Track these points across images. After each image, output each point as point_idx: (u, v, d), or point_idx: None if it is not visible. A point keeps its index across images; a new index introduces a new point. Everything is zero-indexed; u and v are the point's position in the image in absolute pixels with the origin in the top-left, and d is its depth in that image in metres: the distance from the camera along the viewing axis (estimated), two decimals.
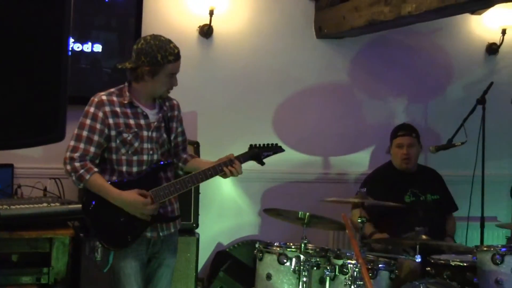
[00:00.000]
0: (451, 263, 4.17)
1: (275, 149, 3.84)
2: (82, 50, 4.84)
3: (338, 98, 5.80)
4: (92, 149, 3.39)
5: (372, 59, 5.85)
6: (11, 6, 1.36)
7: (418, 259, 3.95)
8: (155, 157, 3.53)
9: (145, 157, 3.50)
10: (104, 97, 3.44)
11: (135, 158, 3.48)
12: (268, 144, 3.81)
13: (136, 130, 3.46)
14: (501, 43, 6.07)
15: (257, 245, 4.14)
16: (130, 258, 3.49)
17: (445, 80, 6.08)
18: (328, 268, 3.89)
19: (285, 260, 3.96)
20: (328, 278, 3.88)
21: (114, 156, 3.46)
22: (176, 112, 3.69)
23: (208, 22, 5.25)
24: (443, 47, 6.03)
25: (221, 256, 5.34)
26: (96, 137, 3.39)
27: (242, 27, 5.46)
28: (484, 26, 6.09)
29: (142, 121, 3.49)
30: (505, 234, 5.95)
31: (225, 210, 5.49)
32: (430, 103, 6.06)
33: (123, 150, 3.45)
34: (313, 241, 4.16)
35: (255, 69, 5.52)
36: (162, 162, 3.54)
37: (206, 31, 5.30)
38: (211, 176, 3.56)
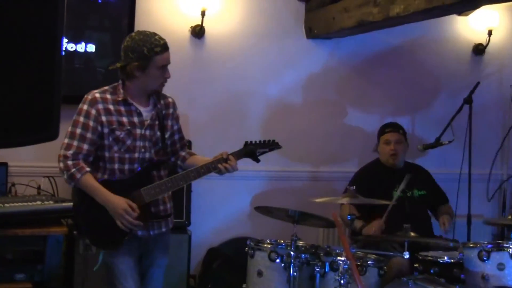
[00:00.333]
0: (438, 259, 4.18)
1: (271, 145, 3.77)
2: (75, 50, 4.82)
3: (328, 97, 5.80)
4: (85, 146, 3.35)
5: (361, 59, 5.86)
6: (3, 6, 1.36)
7: (407, 255, 3.96)
8: (147, 155, 3.48)
9: (137, 155, 3.45)
10: (97, 95, 3.41)
11: (127, 156, 3.43)
12: (264, 141, 3.74)
13: (129, 128, 3.41)
14: (487, 44, 6.09)
15: (248, 243, 4.14)
16: (123, 254, 3.44)
17: (433, 80, 6.09)
18: (318, 264, 3.90)
19: (276, 257, 3.96)
20: (318, 274, 3.89)
21: (106, 154, 3.42)
22: (171, 110, 3.63)
23: (200, 23, 5.25)
24: (431, 48, 6.04)
25: (212, 253, 5.34)
26: (89, 135, 3.36)
27: (233, 28, 5.46)
28: (471, 27, 6.10)
29: (135, 119, 3.44)
30: (491, 231, 5.98)
31: (217, 208, 5.49)
32: (417, 103, 6.07)
33: (115, 148, 3.41)
34: (303, 238, 4.16)
35: (246, 68, 5.52)
36: (154, 160, 3.49)
37: (198, 32, 5.29)
38: (204, 173, 3.50)
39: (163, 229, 3.59)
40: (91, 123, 3.36)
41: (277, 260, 3.95)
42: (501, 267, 3.88)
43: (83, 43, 4.84)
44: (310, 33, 5.62)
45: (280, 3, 5.59)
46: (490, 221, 5.60)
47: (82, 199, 3.40)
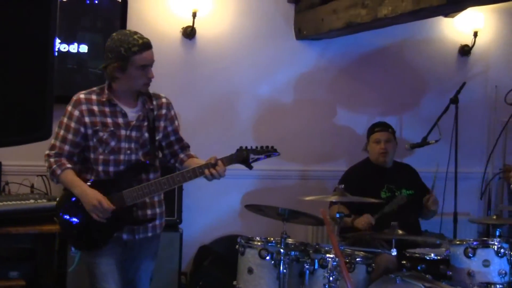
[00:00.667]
0: (425, 256, 4.19)
1: (268, 151, 3.58)
2: (68, 51, 4.81)
3: (317, 97, 5.81)
4: (66, 147, 3.30)
5: (350, 60, 5.87)
6: None
7: (394, 252, 3.98)
8: (134, 157, 3.36)
9: (122, 157, 3.34)
10: (82, 96, 3.33)
11: (112, 157, 3.33)
12: (259, 147, 3.56)
13: (112, 129, 3.31)
14: (473, 45, 6.11)
15: (239, 240, 4.14)
16: (106, 256, 3.35)
17: (420, 80, 6.11)
18: (307, 262, 3.90)
19: (266, 255, 3.96)
20: (307, 271, 3.89)
21: (92, 155, 3.34)
22: (164, 111, 3.49)
23: (191, 24, 5.24)
24: (418, 49, 6.06)
25: (204, 251, 5.33)
26: (70, 136, 3.30)
27: (224, 29, 5.45)
28: (457, 28, 6.13)
29: (120, 120, 3.34)
30: (477, 228, 6.00)
31: (208, 206, 5.48)
32: (405, 103, 6.08)
33: (100, 150, 3.31)
34: (293, 236, 4.17)
35: (237, 69, 5.52)
36: (140, 162, 3.38)
37: (189, 33, 5.28)
38: (190, 178, 3.38)
39: (149, 234, 3.47)
40: (72, 125, 3.29)
41: (267, 258, 3.95)
42: (486, 263, 3.90)
43: (75, 44, 4.83)
44: (300, 34, 5.63)
45: (270, 5, 5.59)
46: (476, 220, 5.62)
47: (64, 200, 3.36)
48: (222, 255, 5.23)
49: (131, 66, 3.23)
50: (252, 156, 3.49)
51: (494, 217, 4.33)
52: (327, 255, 3.79)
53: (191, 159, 3.57)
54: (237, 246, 4.12)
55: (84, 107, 3.30)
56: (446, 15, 5.95)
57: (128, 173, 3.35)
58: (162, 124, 3.48)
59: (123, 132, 3.33)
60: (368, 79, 5.94)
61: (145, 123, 3.40)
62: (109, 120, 3.32)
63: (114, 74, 3.27)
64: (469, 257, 3.93)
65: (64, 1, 4.73)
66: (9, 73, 1.40)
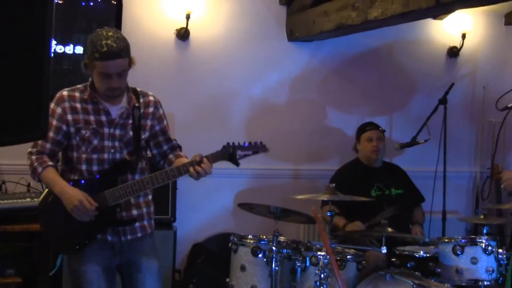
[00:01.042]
0: (415, 254, 4.21)
1: (256, 148, 3.37)
2: (64, 52, 4.80)
3: (309, 98, 5.81)
4: (48, 145, 3.17)
5: (340, 60, 5.87)
6: None
7: (384, 250, 3.99)
8: (118, 156, 3.21)
9: (106, 156, 3.19)
10: (65, 93, 3.20)
11: (95, 156, 3.18)
12: (248, 143, 3.36)
13: (95, 126, 3.17)
14: (461, 47, 6.13)
15: (231, 238, 4.14)
16: (92, 263, 3.20)
17: (409, 81, 6.12)
18: (299, 259, 3.91)
19: (258, 252, 3.96)
20: (299, 269, 3.90)
21: (75, 154, 3.20)
22: (151, 109, 3.32)
23: (185, 26, 5.24)
24: (408, 50, 6.07)
25: (197, 248, 5.33)
26: (51, 134, 3.15)
27: (217, 30, 5.45)
28: (446, 30, 6.14)
29: (103, 118, 3.19)
30: (465, 226, 6.02)
31: (202, 205, 5.48)
32: (395, 103, 6.09)
33: (83, 148, 3.17)
34: (285, 234, 4.17)
35: (230, 70, 5.52)
36: (124, 161, 3.22)
37: (183, 34, 5.28)
38: (174, 177, 3.19)
39: (138, 235, 3.30)
40: (54, 122, 3.15)
41: (260, 255, 3.95)
42: (474, 261, 3.92)
43: (71, 45, 4.82)
44: (292, 36, 5.63)
45: (262, 7, 5.59)
46: (464, 218, 5.64)
47: (45, 201, 3.24)
48: (215, 253, 5.23)
49: (93, 69, 3.08)
50: (239, 152, 3.30)
51: (482, 215, 4.35)
52: (318, 253, 3.79)
53: (179, 159, 3.37)
54: (230, 244, 4.12)
55: (66, 104, 3.17)
56: (435, 17, 5.96)
57: (112, 172, 3.20)
58: (149, 122, 3.32)
59: (106, 130, 3.19)
60: (358, 80, 5.94)
61: (130, 121, 3.24)
62: (91, 118, 3.18)
63: (86, 69, 3.13)
64: (457, 255, 3.94)
65: (60, 3, 4.72)
66: (5, 73, 1.40)
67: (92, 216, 3.13)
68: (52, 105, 3.17)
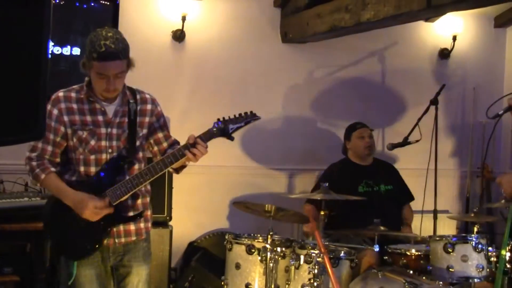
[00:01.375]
0: (406, 252, 4.21)
1: (247, 118, 3.23)
2: (61, 53, 4.79)
3: (302, 97, 5.81)
4: (49, 147, 3.08)
5: (333, 62, 5.88)
6: None
7: (377, 248, 3.99)
8: (116, 155, 3.13)
9: (104, 156, 3.11)
10: (61, 94, 3.12)
11: (92, 157, 3.09)
12: (239, 114, 3.23)
13: (91, 127, 3.09)
14: (452, 48, 6.14)
15: (226, 237, 4.14)
16: (85, 266, 3.12)
17: (401, 82, 6.13)
18: (293, 257, 3.90)
19: (253, 251, 3.96)
20: (293, 267, 3.89)
21: (73, 155, 3.11)
22: (149, 106, 3.23)
23: (180, 28, 5.24)
24: (400, 51, 6.08)
25: (193, 247, 5.33)
26: (51, 136, 3.08)
27: (212, 32, 5.45)
28: (437, 32, 6.15)
29: (100, 118, 3.11)
30: (455, 224, 6.03)
31: (197, 204, 5.47)
32: (387, 103, 6.10)
33: (80, 149, 3.09)
34: (279, 233, 4.17)
35: (225, 71, 5.51)
36: (120, 162, 3.13)
37: (178, 36, 5.28)
38: (171, 163, 3.05)
39: (134, 237, 3.22)
40: (52, 124, 3.07)
41: (254, 253, 3.95)
42: (464, 258, 3.93)
43: (68, 47, 4.81)
44: (286, 38, 5.63)
45: (257, 9, 5.59)
46: (455, 216, 5.65)
47: (50, 212, 3.15)
48: (210, 251, 5.23)
49: (91, 69, 3.00)
50: (231, 126, 3.15)
51: (472, 214, 4.36)
52: (312, 251, 3.79)
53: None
54: (225, 242, 4.12)
55: (62, 105, 3.09)
56: (426, 19, 5.98)
57: (110, 173, 3.10)
58: (147, 119, 3.23)
59: (103, 130, 3.11)
60: (350, 81, 5.95)
61: (127, 119, 3.15)
62: (88, 118, 3.10)
63: (84, 68, 3.05)
64: (448, 253, 3.95)
65: (57, 5, 4.71)
66: (3, 74, 1.40)
67: (107, 211, 3.04)
68: (48, 107, 3.09)
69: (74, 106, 3.11)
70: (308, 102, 5.84)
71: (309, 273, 3.74)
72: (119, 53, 2.96)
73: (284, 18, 5.65)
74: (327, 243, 4.01)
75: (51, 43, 4.69)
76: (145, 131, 3.23)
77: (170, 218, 4.91)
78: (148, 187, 3.28)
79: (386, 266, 4.11)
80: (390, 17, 4.41)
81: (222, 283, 4.07)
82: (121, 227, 3.17)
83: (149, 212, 3.32)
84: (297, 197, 4.07)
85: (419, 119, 5.19)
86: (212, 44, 5.46)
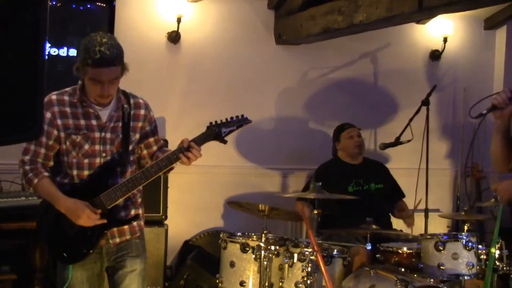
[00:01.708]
0: (398, 250, 4.22)
1: (239, 121, 3.20)
2: (58, 55, 4.78)
3: (295, 98, 5.82)
4: (42, 150, 3.02)
5: (326, 63, 5.88)
6: None
7: (369, 246, 3.99)
8: (109, 159, 3.08)
9: (97, 160, 3.06)
10: (54, 97, 3.05)
11: (86, 161, 3.04)
12: (230, 118, 3.19)
13: (85, 131, 3.03)
14: (443, 50, 6.16)
15: (221, 235, 4.13)
16: (77, 268, 3.08)
17: (393, 83, 6.14)
18: (286, 256, 3.90)
19: (247, 249, 3.96)
20: (286, 265, 3.89)
21: (65, 159, 3.05)
22: (142, 111, 3.19)
23: (176, 29, 5.23)
24: (392, 53, 6.09)
25: (188, 245, 5.33)
26: (44, 139, 3.01)
27: (207, 34, 5.45)
28: (428, 34, 6.17)
29: (93, 122, 3.05)
30: (446, 223, 6.04)
31: (192, 203, 5.47)
32: (379, 104, 6.11)
33: (73, 153, 3.03)
34: (273, 231, 4.17)
35: (219, 72, 5.52)
36: (113, 166, 3.09)
37: (174, 37, 5.28)
38: (166, 166, 3.02)
39: (128, 236, 3.19)
40: (45, 127, 2.99)
41: (249, 252, 3.95)
42: (455, 256, 3.93)
43: (65, 48, 4.80)
44: (279, 39, 5.64)
45: (251, 11, 5.59)
46: (445, 215, 5.66)
47: (45, 217, 3.10)
48: (205, 250, 5.23)
49: (86, 74, 2.94)
50: (224, 129, 3.13)
51: (463, 213, 4.37)
52: (305, 249, 3.79)
53: (166, 152, 3.17)
54: (220, 241, 4.12)
55: (56, 108, 3.02)
56: (418, 21, 5.99)
57: (103, 176, 3.07)
58: (140, 124, 3.19)
59: (97, 134, 3.05)
60: (343, 81, 5.95)
61: (120, 124, 3.11)
62: (82, 122, 3.04)
63: (77, 72, 2.99)
64: (439, 251, 3.95)
65: (54, 7, 4.70)
66: (0, 75, 1.40)
67: (100, 221, 3.01)
68: None
69: (68, 109, 3.04)
70: (301, 102, 5.84)
71: (302, 271, 3.73)
72: (114, 59, 2.90)
73: (278, 20, 5.65)
74: (320, 241, 4.01)
75: (48, 45, 4.68)
76: (137, 135, 3.20)
77: (166, 217, 4.91)
78: (140, 187, 3.20)
79: (378, 264, 4.11)
80: (382, 19, 4.43)
81: (217, 281, 4.06)
82: (115, 228, 3.14)
83: (140, 211, 3.28)
84: (290, 196, 4.08)
85: (411, 119, 5.20)
86: (207, 45, 5.46)
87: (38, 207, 3.18)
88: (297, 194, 4.31)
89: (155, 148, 3.28)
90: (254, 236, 4.02)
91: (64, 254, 3.10)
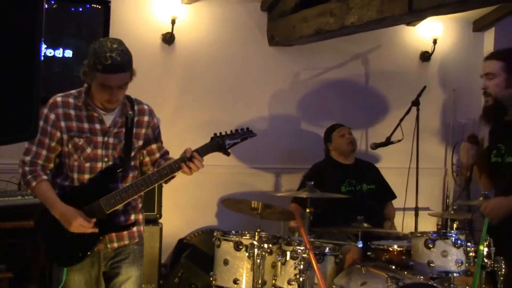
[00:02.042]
0: (389, 248, 4.22)
1: (243, 134, 3.15)
2: (54, 56, 4.77)
3: (288, 98, 5.82)
4: (44, 152, 2.98)
5: (318, 64, 5.89)
6: None
7: (360, 244, 3.99)
8: (111, 164, 3.04)
9: (99, 164, 3.02)
10: (58, 99, 3.01)
11: (87, 165, 3.00)
12: (235, 130, 3.15)
13: (88, 135, 2.99)
14: (432, 52, 6.17)
15: (215, 234, 4.13)
16: (74, 272, 3.04)
17: (384, 84, 6.15)
18: (279, 254, 3.90)
19: (240, 247, 3.95)
20: (279, 263, 3.89)
21: (67, 161, 3.01)
22: (146, 117, 3.15)
23: (170, 30, 5.23)
24: (382, 54, 6.10)
25: (182, 244, 5.32)
26: (47, 140, 2.98)
27: (201, 35, 5.45)
28: (418, 36, 6.18)
29: (97, 126, 3.01)
30: (436, 221, 6.06)
31: (187, 202, 5.47)
32: (370, 104, 6.12)
33: (75, 156, 2.99)
34: (266, 230, 4.17)
35: (213, 73, 5.51)
36: (115, 171, 3.05)
37: (168, 39, 5.27)
38: (167, 175, 3.00)
39: (126, 241, 3.15)
40: (48, 128, 2.97)
41: (242, 250, 3.95)
42: (444, 254, 3.93)
43: (61, 49, 4.80)
44: (272, 41, 5.64)
45: (244, 13, 5.59)
46: (435, 213, 5.67)
47: (42, 219, 3.05)
48: (199, 248, 5.22)
49: (94, 79, 2.90)
50: (228, 141, 3.10)
51: (452, 211, 4.37)
52: (298, 247, 3.79)
53: (168, 160, 3.15)
54: (213, 239, 4.11)
55: (60, 110, 2.98)
56: (408, 23, 6.00)
57: (103, 181, 3.03)
58: (143, 131, 3.15)
59: (99, 138, 3.01)
60: (335, 82, 5.96)
61: (124, 130, 3.07)
62: (85, 125, 3.00)
63: (85, 78, 2.95)
64: (429, 248, 3.95)
65: (50, 8, 4.68)
66: None
67: (92, 230, 2.97)
68: (45, 111, 2.99)
69: (72, 112, 3.00)
70: (294, 103, 5.84)
71: (295, 268, 3.73)
72: (125, 65, 2.88)
73: (271, 22, 5.65)
74: (312, 239, 4.01)
75: (43, 46, 4.68)
76: (140, 142, 3.15)
77: (160, 216, 4.91)
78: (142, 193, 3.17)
79: (369, 262, 4.11)
80: (373, 21, 4.43)
81: (211, 278, 4.06)
82: (113, 233, 3.11)
83: (141, 216, 3.25)
84: (283, 195, 4.07)
85: (401, 120, 5.20)
86: (201, 46, 5.45)
87: (37, 207, 3.14)
88: (290, 193, 4.31)
89: (157, 155, 3.24)
90: (248, 235, 4.02)
91: (60, 256, 3.07)
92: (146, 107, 3.19)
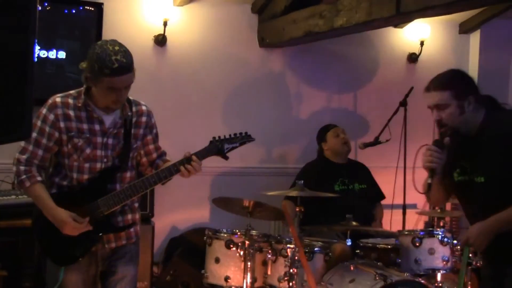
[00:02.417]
0: (377, 246, 4.23)
1: (242, 139, 3.18)
2: (47, 57, 4.76)
3: (278, 99, 5.82)
4: (40, 152, 2.93)
5: (308, 65, 5.89)
6: None
7: (349, 242, 4.01)
8: (110, 165, 3.02)
9: (98, 165, 2.98)
10: (58, 99, 2.97)
11: (86, 165, 2.96)
12: (234, 134, 3.17)
13: (88, 135, 2.95)
14: (420, 53, 6.18)
15: (206, 232, 4.13)
16: (72, 271, 3.00)
17: (372, 85, 6.16)
18: (270, 252, 3.91)
19: (231, 245, 3.96)
20: (270, 260, 3.90)
21: (66, 161, 2.97)
22: (144, 118, 3.13)
23: (162, 32, 5.22)
24: (371, 56, 6.11)
25: (174, 242, 5.31)
26: (44, 141, 2.93)
27: (193, 37, 5.44)
28: (406, 38, 6.19)
29: (96, 126, 2.97)
30: (423, 220, 6.07)
31: (179, 201, 5.46)
32: (358, 105, 6.13)
33: (74, 156, 2.95)
34: (256, 228, 4.17)
35: (205, 74, 5.51)
36: (113, 171, 3.03)
37: (160, 40, 5.26)
38: (165, 177, 3.00)
39: (124, 241, 3.12)
40: (47, 129, 2.93)
41: (233, 248, 3.95)
42: (431, 251, 3.96)
43: (54, 51, 4.79)
44: (263, 42, 5.64)
45: (235, 15, 5.59)
46: (422, 212, 5.69)
47: (39, 219, 3.00)
48: (191, 246, 5.21)
49: (101, 84, 2.86)
50: (226, 145, 3.12)
51: (439, 210, 4.39)
52: (288, 245, 3.80)
53: (167, 163, 3.17)
54: (205, 237, 4.11)
55: (59, 111, 2.94)
56: (396, 25, 6.01)
57: (102, 181, 3.00)
58: (141, 131, 3.12)
59: (99, 139, 2.98)
60: (324, 83, 5.97)
61: (123, 130, 3.04)
62: (85, 126, 2.96)
63: (87, 82, 2.93)
64: (416, 246, 3.97)
65: (43, 10, 4.67)
66: None
67: (86, 228, 2.95)
68: (44, 111, 2.95)
69: (71, 112, 2.96)
70: (285, 103, 5.84)
71: (285, 266, 3.74)
72: (130, 65, 2.89)
73: (261, 24, 5.65)
74: (302, 237, 4.01)
75: (37, 47, 4.66)
76: (139, 143, 3.13)
77: (153, 215, 4.90)
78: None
79: (358, 259, 4.13)
80: (362, 23, 4.44)
81: (203, 276, 4.06)
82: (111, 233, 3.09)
83: (137, 216, 3.22)
84: (274, 194, 4.07)
85: (389, 120, 5.22)
86: (193, 48, 5.45)
87: (33, 206, 3.08)
88: (281, 192, 4.31)
89: (155, 155, 3.22)
90: (239, 233, 4.02)
91: (57, 256, 3.04)
92: (144, 108, 3.17)
